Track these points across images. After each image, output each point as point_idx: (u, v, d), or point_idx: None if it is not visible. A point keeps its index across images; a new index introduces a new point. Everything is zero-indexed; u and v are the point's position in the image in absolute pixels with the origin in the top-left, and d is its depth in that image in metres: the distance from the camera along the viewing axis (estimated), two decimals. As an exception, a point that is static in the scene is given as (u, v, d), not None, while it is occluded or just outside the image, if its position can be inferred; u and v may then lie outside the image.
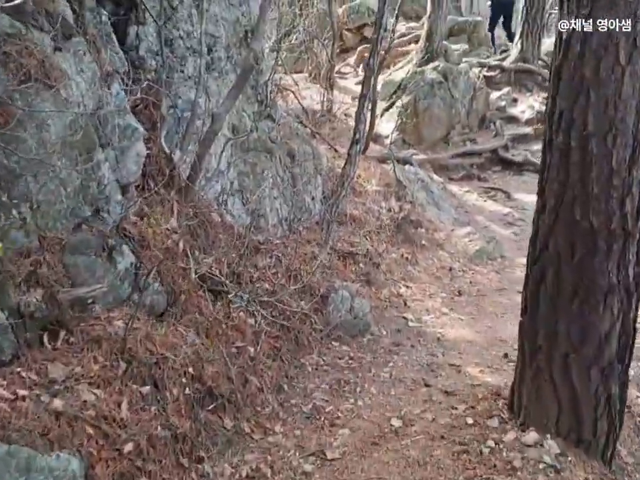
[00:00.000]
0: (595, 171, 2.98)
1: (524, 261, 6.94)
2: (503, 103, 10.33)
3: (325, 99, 9.87)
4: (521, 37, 11.05)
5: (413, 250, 6.57)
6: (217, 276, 4.10)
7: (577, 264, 3.09)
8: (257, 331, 4.07)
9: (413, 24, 12.90)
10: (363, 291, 5.42)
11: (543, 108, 10.26)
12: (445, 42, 10.14)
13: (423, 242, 6.76)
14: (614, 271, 3.00)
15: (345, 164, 5.59)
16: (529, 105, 10.31)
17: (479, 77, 10.28)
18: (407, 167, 8.00)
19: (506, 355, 4.61)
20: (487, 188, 8.79)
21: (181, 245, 3.94)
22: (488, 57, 11.89)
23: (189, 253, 3.97)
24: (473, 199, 8.51)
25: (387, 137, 9.45)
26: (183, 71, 4.51)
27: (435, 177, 8.65)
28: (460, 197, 8.50)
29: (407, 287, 5.95)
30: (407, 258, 6.40)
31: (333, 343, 4.62)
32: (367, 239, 6.27)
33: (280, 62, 12.96)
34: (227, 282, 4.15)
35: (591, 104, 2.95)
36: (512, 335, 5.17)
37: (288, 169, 5.61)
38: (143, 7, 4.25)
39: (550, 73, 3.18)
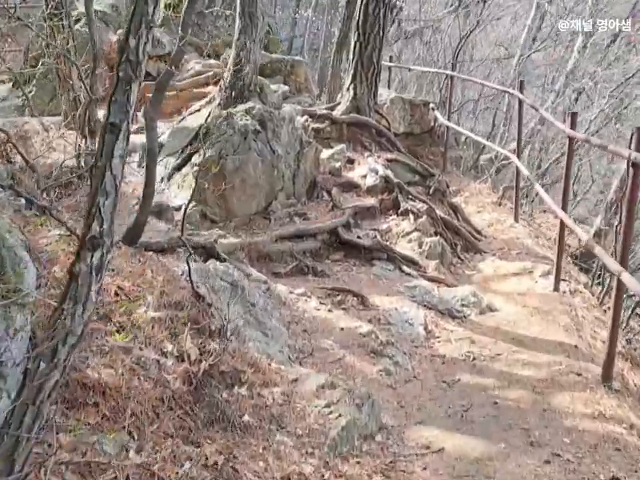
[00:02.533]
0: None
1: (418, 436, 3.61)
2: (338, 164, 7.63)
3: (82, 150, 6.52)
4: (353, 80, 8.51)
5: (228, 442, 3.34)
6: None
7: None
8: None
9: (212, 61, 9.98)
10: None
11: (388, 172, 7.76)
12: (260, 77, 7.25)
13: (246, 417, 3.56)
14: None
15: (73, 268, 2.19)
16: (371, 168, 7.68)
17: (307, 127, 7.51)
18: (210, 262, 4.82)
19: None
20: (330, 289, 5.87)
21: None
22: (310, 105, 9.27)
23: None
24: (312, 308, 5.52)
25: (178, 209, 6.25)
26: None
27: (254, 272, 5.57)
28: (292, 306, 5.46)
29: None
30: (216, 464, 3.15)
31: None
32: (132, 437, 2.95)
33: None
34: None
35: None
36: None
37: None
38: None
39: None
